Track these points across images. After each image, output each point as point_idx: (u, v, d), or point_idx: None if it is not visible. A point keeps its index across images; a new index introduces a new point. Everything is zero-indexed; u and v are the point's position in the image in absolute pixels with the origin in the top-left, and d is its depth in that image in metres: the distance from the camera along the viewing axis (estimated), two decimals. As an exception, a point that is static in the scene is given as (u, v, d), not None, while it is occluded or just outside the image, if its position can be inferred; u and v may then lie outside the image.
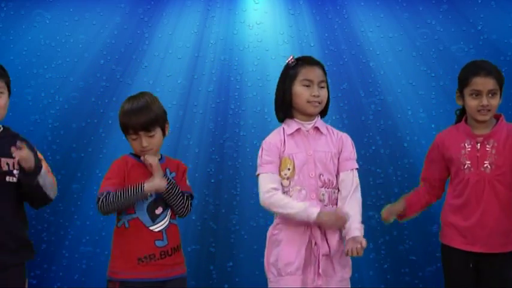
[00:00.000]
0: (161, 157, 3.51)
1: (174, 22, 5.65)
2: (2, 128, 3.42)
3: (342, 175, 3.40)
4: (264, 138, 3.47)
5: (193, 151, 5.61)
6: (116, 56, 5.55)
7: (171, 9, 5.66)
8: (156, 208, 3.42)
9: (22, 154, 3.18)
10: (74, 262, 5.50)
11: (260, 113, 5.53)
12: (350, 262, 3.41)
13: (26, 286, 3.41)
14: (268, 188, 3.33)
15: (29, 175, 3.24)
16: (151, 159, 3.40)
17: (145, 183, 3.34)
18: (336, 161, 3.40)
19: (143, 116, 3.39)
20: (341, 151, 3.42)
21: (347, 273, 3.39)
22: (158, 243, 3.39)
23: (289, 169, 3.36)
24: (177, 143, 5.52)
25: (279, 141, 3.40)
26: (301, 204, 3.29)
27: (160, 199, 3.42)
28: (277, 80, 3.51)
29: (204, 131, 5.64)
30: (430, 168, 3.69)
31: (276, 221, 3.42)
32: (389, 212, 3.70)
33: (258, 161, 3.42)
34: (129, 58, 5.53)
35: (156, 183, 3.36)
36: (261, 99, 5.53)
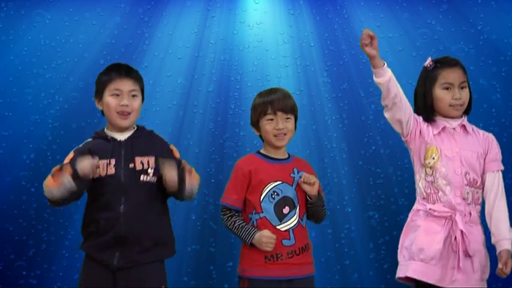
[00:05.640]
0: (288, 156, 3.50)
1: (174, 22, 5.65)
2: (136, 128, 3.40)
3: (487, 176, 3.35)
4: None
5: (193, 151, 5.61)
6: (116, 56, 5.54)
7: (171, 9, 5.66)
8: (284, 207, 3.41)
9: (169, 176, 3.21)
10: (74, 262, 5.48)
11: (260, 113, 5.51)
12: (489, 263, 3.35)
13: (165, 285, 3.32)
14: None
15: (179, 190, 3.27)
16: None
17: (259, 232, 3.36)
18: (482, 161, 3.35)
19: (284, 97, 3.44)
20: (487, 152, 3.37)
21: (485, 273, 3.32)
22: (285, 242, 3.39)
23: (433, 158, 3.31)
24: (177, 143, 5.48)
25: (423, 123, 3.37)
26: None
27: (288, 198, 3.42)
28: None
29: (204, 131, 5.64)
30: None
31: (417, 206, 3.38)
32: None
33: None
34: (129, 58, 5.51)
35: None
36: (261, 99, 5.53)
